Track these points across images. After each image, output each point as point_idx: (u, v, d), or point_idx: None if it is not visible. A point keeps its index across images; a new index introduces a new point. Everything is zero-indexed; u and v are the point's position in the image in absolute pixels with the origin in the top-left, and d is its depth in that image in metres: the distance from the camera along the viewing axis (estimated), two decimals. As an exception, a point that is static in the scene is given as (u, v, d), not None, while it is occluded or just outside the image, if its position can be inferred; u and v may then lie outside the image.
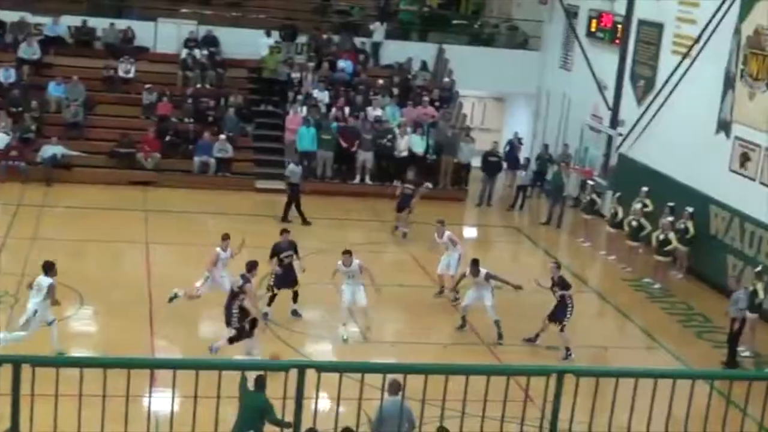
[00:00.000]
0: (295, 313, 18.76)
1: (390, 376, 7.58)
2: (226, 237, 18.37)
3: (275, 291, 18.48)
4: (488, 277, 18.51)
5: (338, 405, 6.84)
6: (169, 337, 17.64)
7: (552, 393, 6.57)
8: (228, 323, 16.34)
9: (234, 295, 16.31)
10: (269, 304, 18.36)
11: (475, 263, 18.66)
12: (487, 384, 6.69)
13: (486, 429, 7.12)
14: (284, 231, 19.36)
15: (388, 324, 19.68)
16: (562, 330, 18.00)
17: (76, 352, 16.01)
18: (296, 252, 18.80)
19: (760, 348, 18.84)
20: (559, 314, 18.06)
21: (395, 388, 10.50)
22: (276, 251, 18.55)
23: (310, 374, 6.34)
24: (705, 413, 7.03)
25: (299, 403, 6.35)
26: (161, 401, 8.94)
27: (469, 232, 27.86)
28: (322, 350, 17.80)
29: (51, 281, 15.76)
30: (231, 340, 16.23)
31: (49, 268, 15.89)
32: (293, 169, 25.41)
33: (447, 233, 20.89)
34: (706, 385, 7.22)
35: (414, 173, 25.54)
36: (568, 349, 17.92)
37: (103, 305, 18.67)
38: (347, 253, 18.14)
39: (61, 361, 7.05)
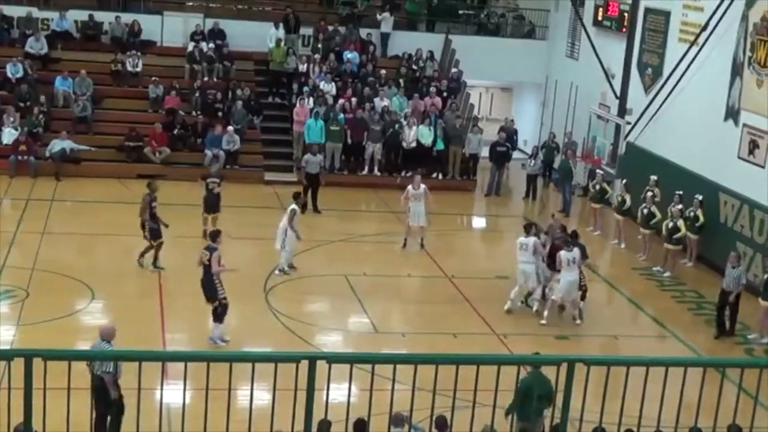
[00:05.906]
0: None
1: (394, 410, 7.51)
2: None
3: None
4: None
5: (350, 396, 6.85)
6: (180, 330, 17.68)
7: (563, 382, 6.56)
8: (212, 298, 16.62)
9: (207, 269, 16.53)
10: None
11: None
12: (498, 373, 6.69)
13: (497, 418, 7.12)
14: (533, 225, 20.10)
15: (398, 314, 19.71)
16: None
17: (88, 346, 16.01)
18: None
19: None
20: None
21: (398, 421, 10.41)
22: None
23: (321, 366, 6.35)
24: (717, 401, 7.03)
25: (310, 394, 6.35)
26: (173, 394, 8.98)
27: (478, 222, 27.85)
28: (332, 341, 17.82)
29: None
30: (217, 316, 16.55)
31: None
32: (308, 159, 25.45)
33: (423, 186, 22.60)
34: (718, 374, 7.20)
35: (217, 168, 24.82)
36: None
37: (113, 299, 18.71)
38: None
39: (73, 355, 7.05)
